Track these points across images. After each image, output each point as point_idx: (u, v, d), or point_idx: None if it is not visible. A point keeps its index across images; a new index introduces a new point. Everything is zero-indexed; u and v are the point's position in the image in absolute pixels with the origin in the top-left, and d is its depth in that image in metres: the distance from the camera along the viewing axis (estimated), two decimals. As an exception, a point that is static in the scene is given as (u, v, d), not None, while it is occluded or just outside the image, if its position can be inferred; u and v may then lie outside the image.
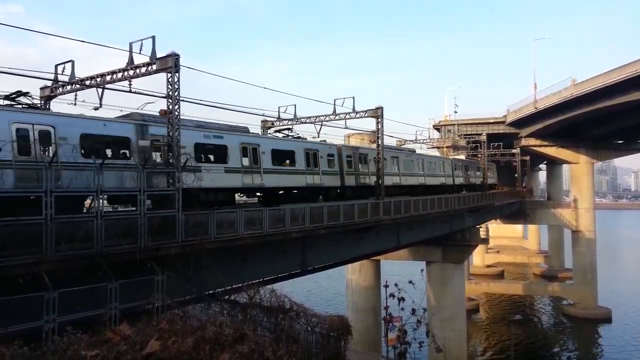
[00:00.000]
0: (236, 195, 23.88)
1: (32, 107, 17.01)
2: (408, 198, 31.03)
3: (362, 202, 26.04)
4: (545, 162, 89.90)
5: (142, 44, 16.71)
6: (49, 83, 19.09)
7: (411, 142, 49.65)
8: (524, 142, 69.57)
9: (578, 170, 70.17)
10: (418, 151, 45.23)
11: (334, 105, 28.44)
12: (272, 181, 24.12)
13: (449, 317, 40.92)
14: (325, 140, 30.30)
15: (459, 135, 69.63)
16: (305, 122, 29.40)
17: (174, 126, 16.54)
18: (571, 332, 58.23)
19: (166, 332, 10.90)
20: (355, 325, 28.11)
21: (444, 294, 41.98)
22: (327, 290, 68.54)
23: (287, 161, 26.04)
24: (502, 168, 73.53)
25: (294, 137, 28.01)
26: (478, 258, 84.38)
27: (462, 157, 58.65)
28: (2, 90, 15.44)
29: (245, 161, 22.59)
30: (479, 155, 58.77)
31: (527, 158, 75.30)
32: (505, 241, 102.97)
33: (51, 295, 11.62)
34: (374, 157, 30.37)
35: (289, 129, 29.23)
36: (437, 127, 74.91)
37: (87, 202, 15.30)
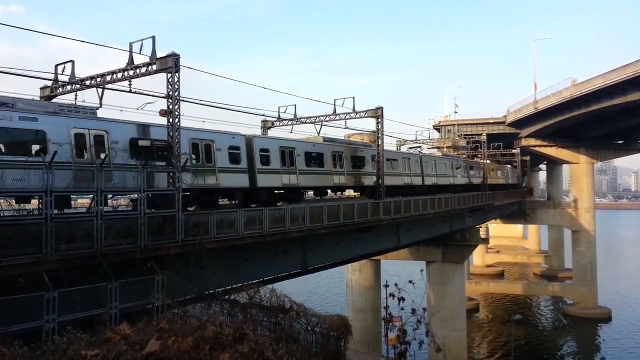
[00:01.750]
0: None
1: None
2: (408, 198, 31.04)
3: (362, 201, 26.05)
4: (545, 162, 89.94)
5: (142, 44, 16.72)
6: (49, 83, 19.10)
7: (411, 142, 49.68)
8: (524, 142, 69.60)
9: (578, 170, 70.21)
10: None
11: (334, 105, 28.45)
12: None
13: (449, 317, 40.93)
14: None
15: (459, 136, 69.64)
16: (305, 122, 29.42)
17: (174, 126, 16.55)
18: (571, 332, 58.21)
19: (166, 331, 10.89)
20: (355, 325, 28.14)
21: (444, 293, 41.97)
22: (327, 290, 68.54)
23: None
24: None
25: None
26: (478, 258, 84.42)
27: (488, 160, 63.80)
28: (3, 91, 15.44)
29: None
30: (479, 156, 58.77)
31: (527, 158, 75.35)
32: (505, 241, 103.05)
33: (51, 295, 11.63)
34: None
35: None
36: (437, 127, 74.94)
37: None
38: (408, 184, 37.26)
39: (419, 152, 47.10)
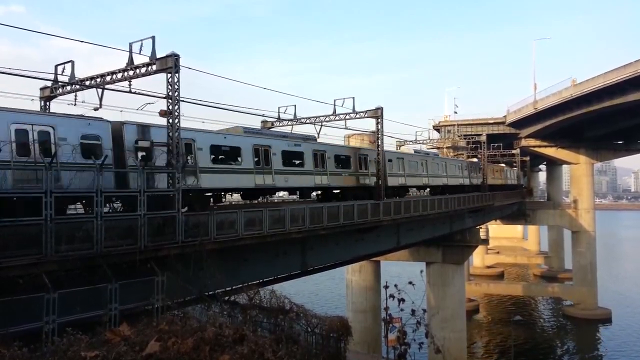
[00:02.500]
0: None
1: None
2: (408, 198, 31.10)
3: (362, 202, 26.04)
4: (545, 162, 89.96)
5: (142, 44, 16.69)
6: (49, 83, 19.08)
7: (411, 143, 49.69)
8: (523, 142, 69.58)
9: (578, 171, 70.16)
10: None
11: (334, 105, 28.42)
12: None
13: (449, 318, 40.91)
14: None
15: (458, 136, 69.58)
16: (305, 123, 29.40)
17: (174, 127, 16.53)
18: (571, 333, 58.20)
19: (166, 333, 10.88)
20: (355, 326, 28.13)
21: (444, 294, 41.93)
22: (328, 292, 68.49)
23: None
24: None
25: None
26: (478, 259, 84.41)
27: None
28: (3, 91, 15.47)
29: None
30: (479, 156, 58.77)
31: (527, 159, 75.31)
32: (505, 242, 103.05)
33: (51, 296, 11.61)
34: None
35: None
36: (437, 128, 74.92)
37: None
38: (461, 184, 47.91)
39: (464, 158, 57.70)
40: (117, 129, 16.61)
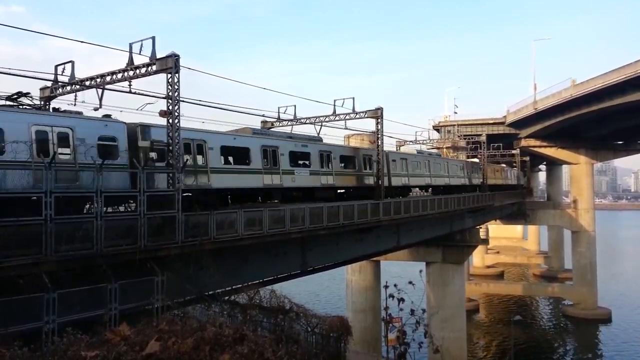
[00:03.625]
0: None
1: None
2: (409, 198, 31.12)
3: (362, 202, 26.04)
4: (545, 162, 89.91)
5: (142, 44, 16.69)
6: (49, 83, 19.07)
7: (411, 143, 49.68)
8: (523, 142, 69.54)
9: (578, 171, 70.12)
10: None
11: (334, 105, 28.43)
12: None
13: (449, 318, 40.89)
14: None
15: (458, 136, 69.56)
16: (305, 123, 29.41)
17: (174, 127, 16.53)
18: (571, 333, 58.21)
19: (166, 332, 10.89)
20: (355, 325, 28.12)
21: (443, 294, 41.93)
22: (329, 292, 68.46)
23: None
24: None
25: None
26: (478, 258, 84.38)
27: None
28: (3, 91, 15.46)
29: None
30: (479, 156, 58.74)
31: (527, 159, 75.28)
32: (505, 242, 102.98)
33: (51, 296, 11.62)
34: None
35: None
36: (436, 128, 74.86)
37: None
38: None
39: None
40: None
